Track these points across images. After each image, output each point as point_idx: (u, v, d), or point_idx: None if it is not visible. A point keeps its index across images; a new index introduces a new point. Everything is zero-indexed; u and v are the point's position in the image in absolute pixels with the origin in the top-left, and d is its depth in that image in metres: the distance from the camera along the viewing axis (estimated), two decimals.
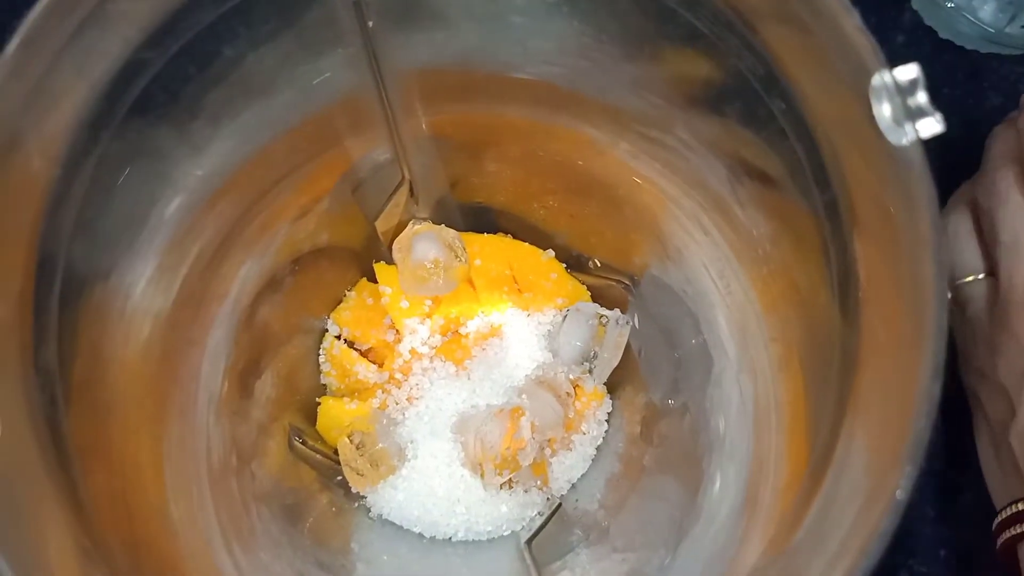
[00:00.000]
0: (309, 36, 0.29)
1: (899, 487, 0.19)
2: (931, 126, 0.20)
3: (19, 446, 0.20)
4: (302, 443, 0.37)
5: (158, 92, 0.26)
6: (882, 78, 0.20)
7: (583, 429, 0.39)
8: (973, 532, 0.40)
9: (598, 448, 0.39)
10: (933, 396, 0.19)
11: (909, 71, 0.21)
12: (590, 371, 0.38)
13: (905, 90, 0.20)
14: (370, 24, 0.29)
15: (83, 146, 0.23)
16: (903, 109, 0.20)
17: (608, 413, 0.39)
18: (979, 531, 0.39)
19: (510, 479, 0.37)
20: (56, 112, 0.22)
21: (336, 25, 0.29)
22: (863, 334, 0.21)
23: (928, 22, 0.43)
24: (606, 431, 0.39)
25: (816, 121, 0.22)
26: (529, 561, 0.34)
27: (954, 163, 0.38)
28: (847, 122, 0.21)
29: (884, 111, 0.20)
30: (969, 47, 0.43)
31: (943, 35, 0.43)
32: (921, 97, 0.20)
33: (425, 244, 0.39)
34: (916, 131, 0.20)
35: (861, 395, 0.21)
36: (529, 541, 0.36)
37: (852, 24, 0.20)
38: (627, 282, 0.38)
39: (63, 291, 0.23)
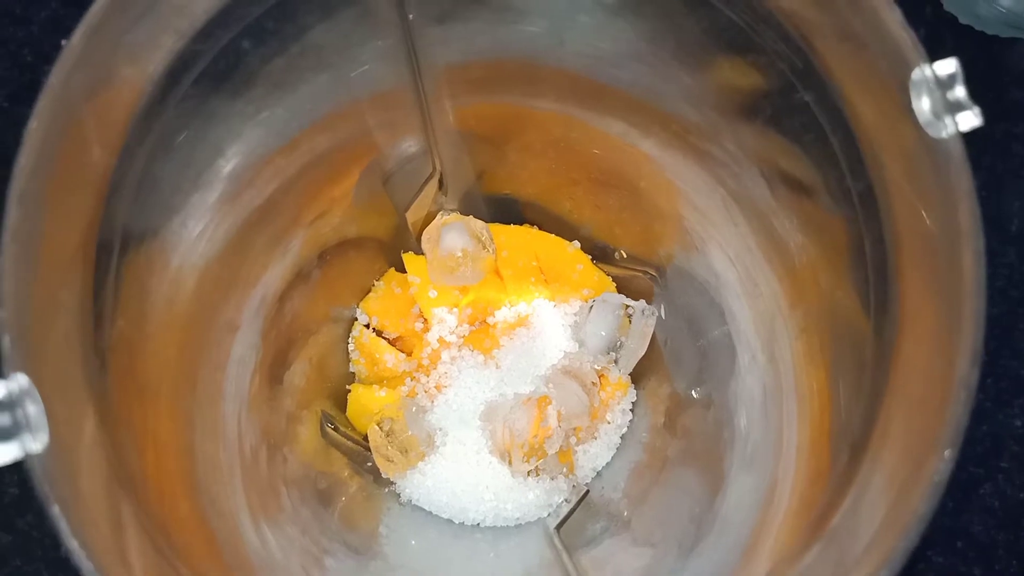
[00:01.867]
0: (348, 29, 0.29)
1: (937, 471, 0.20)
2: (969, 119, 0.21)
3: (78, 422, 0.21)
4: (334, 429, 0.38)
5: (203, 82, 0.26)
6: (922, 72, 0.21)
7: (608, 418, 0.39)
8: (990, 524, 0.40)
9: (623, 437, 0.40)
10: (971, 382, 0.20)
11: (948, 65, 0.21)
12: (616, 361, 0.39)
13: (944, 84, 0.21)
14: (410, 17, 0.29)
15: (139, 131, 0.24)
16: (943, 103, 0.21)
17: (633, 403, 0.40)
18: (996, 523, 0.40)
19: (537, 466, 0.38)
20: (116, 95, 0.22)
21: (376, 18, 0.29)
22: (900, 324, 0.22)
23: (948, 8, 0.43)
24: (631, 421, 0.40)
25: (853, 114, 0.23)
26: (560, 546, 0.35)
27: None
28: (885, 115, 0.22)
29: (923, 105, 0.21)
30: (990, 32, 0.43)
31: (963, 20, 0.43)
32: (960, 91, 0.21)
33: (454, 235, 0.40)
34: (956, 124, 0.21)
35: (898, 382, 0.21)
36: (558, 527, 0.36)
37: (894, 19, 0.21)
38: (653, 273, 0.39)
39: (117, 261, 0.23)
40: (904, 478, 0.21)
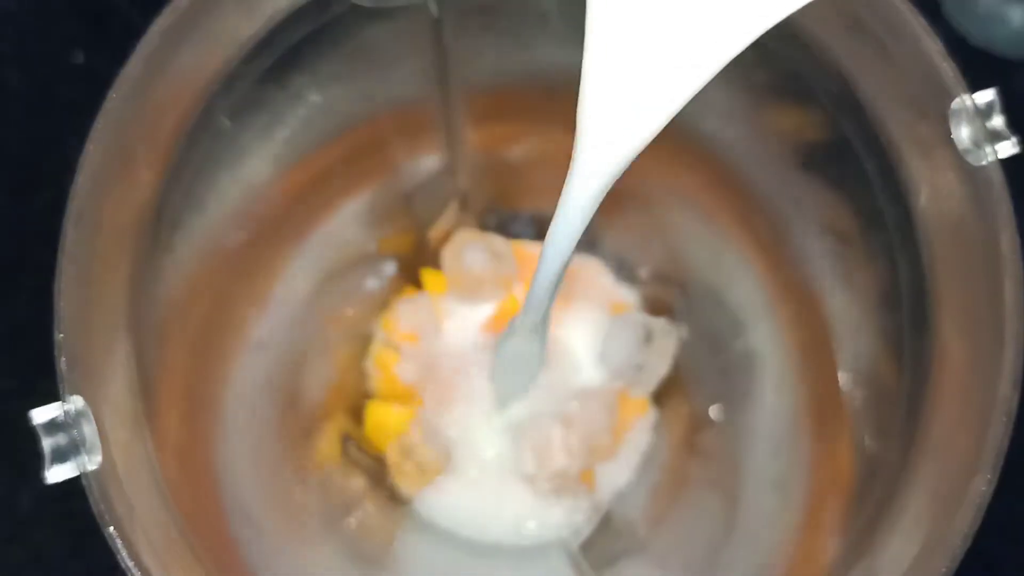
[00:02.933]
0: (383, 48, 0.30)
1: (979, 495, 0.20)
2: (1008, 148, 0.21)
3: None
4: (356, 447, 0.38)
5: (240, 99, 0.27)
6: (963, 102, 0.21)
7: (628, 438, 0.39)
8: (1001, 538, 0.40)
9: (643, 457, 0.40)
10: (1012, 406, 0.20)
11: (986, 95, 0.22)
12: (637, 380, 0.39)
13: (984, 113, 0.21)
14: (445, 39, 0.29)
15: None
16: (983, 132, 0.21)
17: (653, 423, 0.40)
18: (1007, 537, 0.40)
19: (559, 486, 0.38)
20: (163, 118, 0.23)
21: (411, 37, 0.30)
22: (937, 349, 0.22)
23: (958, 29, 0.44)
24: (650, 441, 0.40)
25: (890, 142, 0.23)
26: (585, 566, 0.35)
27: None
28: (924, 144, 0.22)
29: (963, 134, 0.21)
30: (998, 54, 0.43)
31: (974, 43, 0.44)
32: (998, 120, 0.21)
33: (474, 252, 0.40)
34: (995, 152, 0.21)
35: (936, 406, 0.22)
36: (581, 546, 0.36)
37: (935, 49, 0.21)
38: (676, 292, 0.39)
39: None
40: (943, 502, 0.21)
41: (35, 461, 0.20)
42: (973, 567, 0.39)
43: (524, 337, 0.30)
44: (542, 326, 0.30)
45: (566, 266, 0.26)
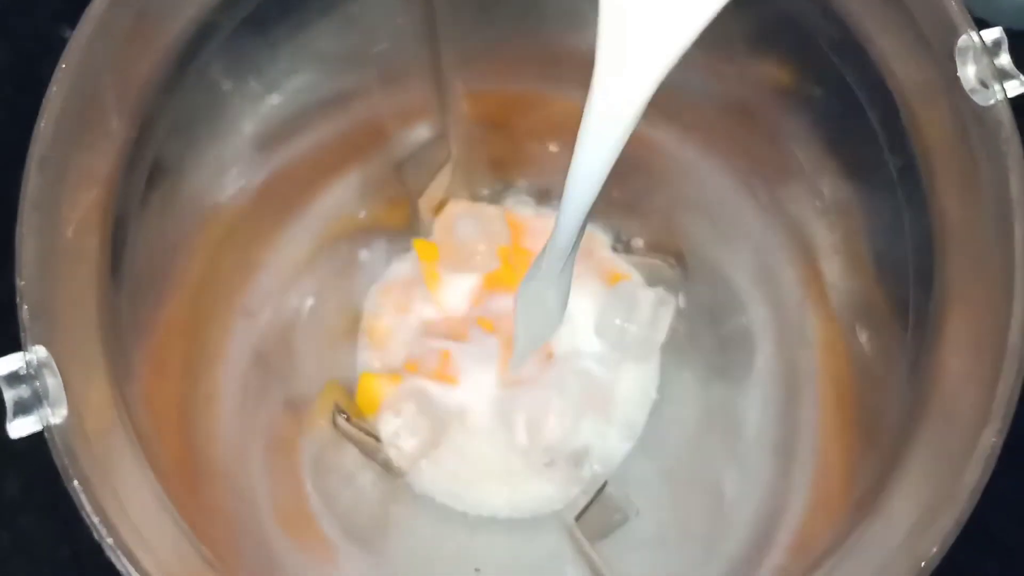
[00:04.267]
0: (370, 6, 0.29)
1: (990, 446, 0.19)
2: (1016, 87, 0.20)
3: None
4: (346, 419, 0.37)
5: (220, 56, 0.26)
6: (970, 39, 0.20)
7: (625, 410, 0.39)
8: (1008, 520, 0.40)
9: (641, 430, 0.39)
10: (1023, 355, 0.19)
11: (994, 32, 0.21)
12: (634, 349, 0.38)
13: (991, 51, 0.20)
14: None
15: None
16: (990, 70, 0.20)
17: (651, 395, 0.39)
18: (1014, 520, 0.39)
19: (552, 458, 0.37)
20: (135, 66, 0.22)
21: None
22: (945, 300, 0.21)
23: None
24: (647, 413, 0.39)
25: (895, 84, 0.22)
26: (581, 538, 0.34)
27: None
28: (930, 84, 0.21)
29: (969, 72, 0.20)
30: (1005, 25, 0.43)
31: (978, 14, 0.43)
32: (1005, 58, 0.20)
33: (467, 223, 0.39)
34: (1004, 91, 0.20)
35: (944, 358, 0.21)
36: (577, 519, 0.36)
37: None
38: (673, 261, 0.38)
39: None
40: (950, 457, 0.20)
41: None
42: (980, 546, 0.39)
43: (547, 281, 0.29)
44: (566, 271, 0.29)
45: (590, 208, 0.25)
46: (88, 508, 0.18)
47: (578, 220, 0.25)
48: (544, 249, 0.27)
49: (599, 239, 0.40)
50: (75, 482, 0.18)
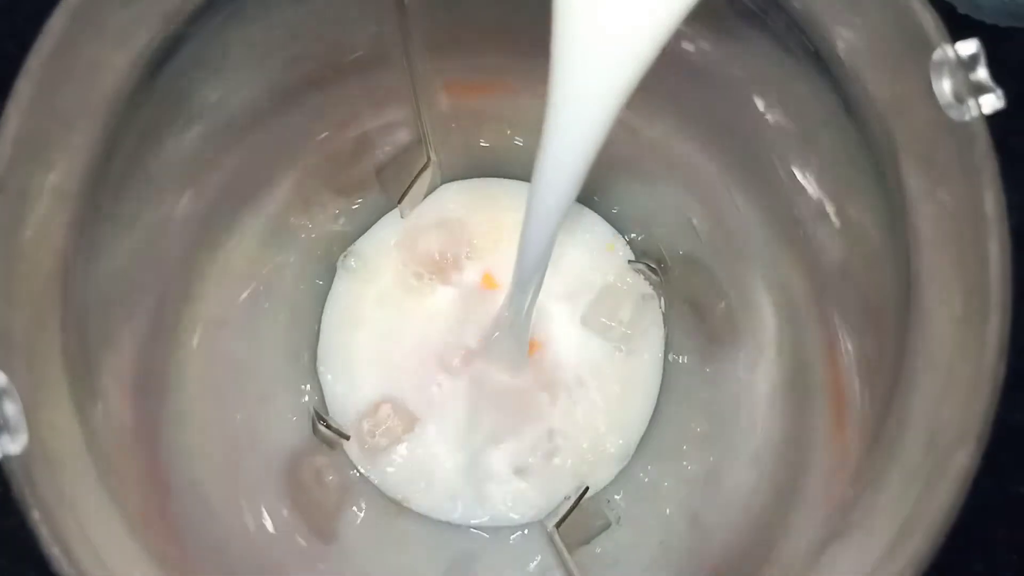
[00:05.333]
0: (340, 14, 0.28)
1: (963, 469, 0.19)
2: (992, 102, 0.20)
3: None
4: (325, 426, 0.37)
5: (190, 60, 0.25)
6: (944, 53, 0.20)
7: (607, 409, 0.38)
8: (991, 519, 0.39)
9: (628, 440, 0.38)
10: (999, 374, 0.19)
11: (969, 46, 0.20)
12: (620, 344, 0.38)
13: (967, 65, 0.20)
14: (406, 2, 0.28)
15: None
16: (965, 85, 0.20)
17: (637, 404, 0.39)
18: (997, 518, 0.39)
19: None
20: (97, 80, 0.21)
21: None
22: (919, 317, 0.21)
23: None
24: (635, 421, 0.39)
25: (867, 99, 0.22)
26: (560, 545, 0.34)
27: None
28: (903, 99, 0.21)
29: (944, 87, 0.20)
30: (989, 22, 0.42)
31: (961, 10, 0.42)
32: (982, 72, 0.20)
33: (428, 237, 0.39)
34: (979, 106, 0.20)
35: (922, 375, 0.20)
36: (557, 525, 0.35)
37: None
38: (654, 264, 0.38)
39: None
40: (928, 473, 0.20)
41: None
42: (969, 549, 0.39)
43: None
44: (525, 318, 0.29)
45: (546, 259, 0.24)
46: (48, 540, 0.18)
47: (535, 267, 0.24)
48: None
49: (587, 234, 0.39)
50: (35, 513, 0.18)
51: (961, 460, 0.19)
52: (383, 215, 0.40)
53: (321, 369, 0.38)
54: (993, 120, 0.38)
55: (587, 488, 0.37)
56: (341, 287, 0.39)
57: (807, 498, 0.26)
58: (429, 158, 0.37)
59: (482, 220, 0.39)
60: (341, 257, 0.39)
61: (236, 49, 0.26)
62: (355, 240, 0.39)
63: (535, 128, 0.23)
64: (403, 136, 0.37)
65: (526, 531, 0.38)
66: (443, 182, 0.39)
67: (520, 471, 0.37)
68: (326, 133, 0.34)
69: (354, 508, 0.36)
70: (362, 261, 0.39)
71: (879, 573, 0.19)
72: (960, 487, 0.19)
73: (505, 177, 0.40)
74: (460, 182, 0.40)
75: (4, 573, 0.38)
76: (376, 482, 0.37)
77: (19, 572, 0.38)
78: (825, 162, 0.26)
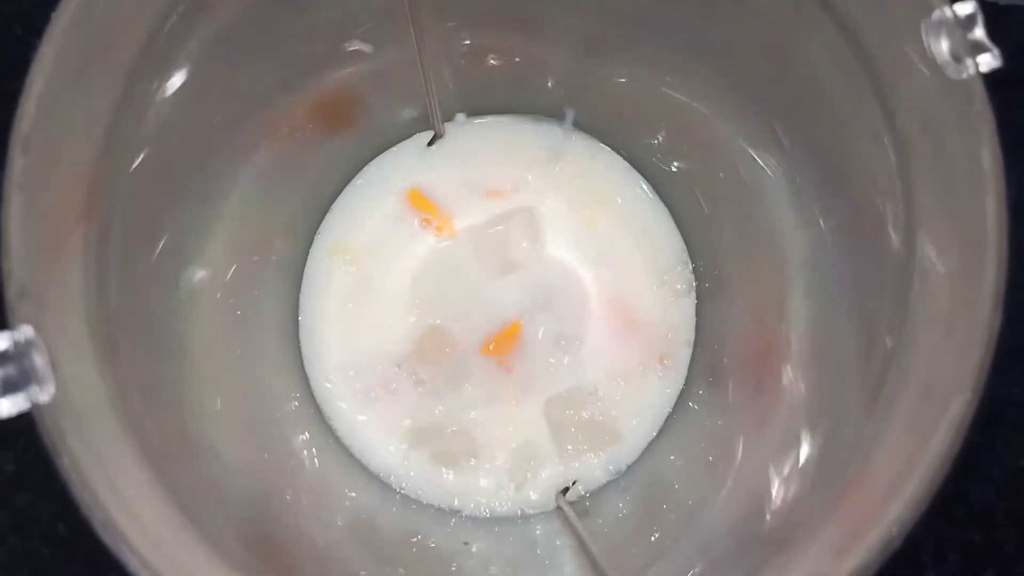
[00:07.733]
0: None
1: (958, 417, 0.19)
2: (989, 61, 0.21)
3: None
4: None
5: (200, 45, 0.26)
6: (942, 13, 0.20)
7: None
8: (990, 491, 0.40)
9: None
10: (994, 325, 0.20)
11: (966, 6, 0.21)
12: None
13: (964, 25, 0.20)
14: None
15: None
16: (963, 44, 0.20)
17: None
18: (996, 490, 0.40)
19: None
20: (116, 49, 0.22)
21: None
22: (921, 272, 0.22)
23: None
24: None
25: (866, 58, 0.23)
26: (571, 514, 0.34)
27: None
28: (902, 58, 0.21)
29: (942, 46, 0.21)
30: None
31: None
32: (979, 32, 0.21)
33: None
34: (976, 65, 0.20)
35: (919, 327, 0.21)
36: (564, 492, 0.36)
37: None
38: None
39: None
40: (921, 427, 0.20)
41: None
42: (969, 521, 0.39)
43: None
44: None
45: None
46: (77, 484, 0.18)
47: None
48: None
49: None
50: (64, 459, 0.18)
51: (957, 408, 0.19)
52: None
53: None
54: (992, 96, 0.39)
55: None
56: None
57: (805, 457, 0.26)
58: (436, 133, 0.38)
59: None
60: None
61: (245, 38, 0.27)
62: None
63: None
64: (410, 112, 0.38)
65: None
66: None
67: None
68: (343, 111, 0.34)
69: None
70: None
71: (877, 516, 0.19)
72: (955, 436, 0.19)
73: None
74: None
75: (16, 551, 0.38)
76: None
77: (32, 550, 0.38)
78: (822, 134, 0.26)
